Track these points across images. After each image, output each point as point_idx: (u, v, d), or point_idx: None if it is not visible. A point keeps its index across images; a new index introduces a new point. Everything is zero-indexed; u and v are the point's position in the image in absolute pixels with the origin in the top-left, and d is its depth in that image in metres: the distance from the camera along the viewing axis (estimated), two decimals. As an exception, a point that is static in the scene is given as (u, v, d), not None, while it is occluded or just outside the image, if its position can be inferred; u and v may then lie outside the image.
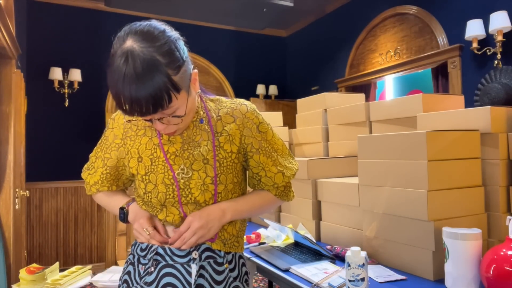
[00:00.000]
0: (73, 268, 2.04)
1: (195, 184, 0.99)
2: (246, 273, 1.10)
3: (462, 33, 3.29)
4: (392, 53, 4.09)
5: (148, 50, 0.83)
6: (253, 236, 1.92)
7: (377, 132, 2.00)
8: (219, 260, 1.03)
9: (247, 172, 1.12)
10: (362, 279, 1.14)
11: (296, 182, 2.02)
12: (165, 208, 1.01)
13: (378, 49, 4.29)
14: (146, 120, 0.91)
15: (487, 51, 3.11)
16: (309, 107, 2.57)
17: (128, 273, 1.05)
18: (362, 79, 4.47)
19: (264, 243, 1.89)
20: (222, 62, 5.41)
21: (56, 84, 4.34)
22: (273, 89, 5.62)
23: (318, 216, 1.94)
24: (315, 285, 1.29)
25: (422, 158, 1.32)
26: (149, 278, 1.00)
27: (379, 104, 1.99)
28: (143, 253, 1.03)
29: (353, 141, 2.14)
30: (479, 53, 3.16)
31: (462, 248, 1.17)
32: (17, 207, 2.79)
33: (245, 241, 1.87)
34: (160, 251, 1.01)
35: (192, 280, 0.98)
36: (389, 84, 5.99)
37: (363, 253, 1.16)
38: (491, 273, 1.09)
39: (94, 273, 2.13)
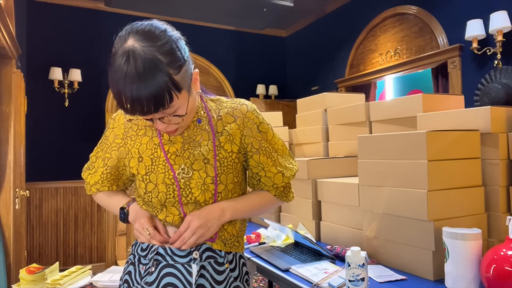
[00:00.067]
0: (73, 268, 2.04)
1: (196, 184, 0.99)
2: (247, 273, 1.10)
3: (462, 33, 3.29)
4: (392, 53, 4.09)
5: (150, 50, 0.83)
6: (253, 236, 1.92)
7: (377, 132, 2.00)
8: (220, 260, 1.03)
9: (247, 172, 1.12)
10: (362, 279, 1.14)
11: (296, 182, 2.02)
12: (165, 208, 1.01)
13: (378, 49, 4.29)
14: (147, 119, 0.91)
15: (487, 51, 3.11)
16: (309, 107, 2.57)
17: (129, 273, 1.05)
18: (362, 79, 4.47)
19: (264, 243, 1.89)
20: (222, 62, 5.41)
21: (56, 84, 4.34)
22: (273, 89, 5.62)
23: (318, 216, 1.94)
24: (315, 285, 1.29)
25: (422, 158, 1.32)
26: (150, 278, 1.00)
27: (379, 104, 1.99)
28: (144, 253, 1.03)
29: (353, 141, 2.14)
30: (479, 53, 3.16)
31: (462, 248, 1.17)
32: (17, 207, 2.79)
33: (245, 241, 1.88)
34: (161, 251, 1.01)
35: (193, 280, 0.99)
36: (389, 84, 5.99)
37: (363, 253, 1.16)
38: (491, 273, 1.09)
39: (94, 273, 2.13)
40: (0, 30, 2.29)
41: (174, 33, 0.90)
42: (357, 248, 1.15)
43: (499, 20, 2.92)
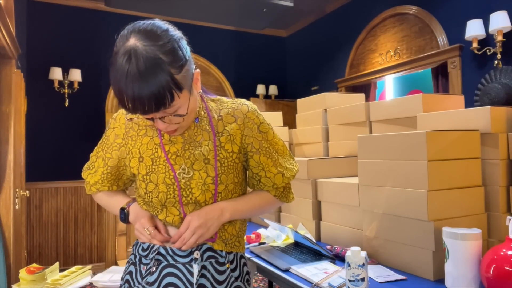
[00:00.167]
0: (73, 268, 2.05)
1: (196, 184, 0.99)
2: (248, 273, 1.10)
3: (462, 33, 3.29)
4: (392, 53, 4.10)
5: (151, 49, 0.83)
6: (253, 236, 1.92)
7: (377, 132, 2.00)
8: (221, 260, 1.03)
9: (247, 172, 1.12)
10: (362, 279, 1.15)
11: (296, 182, 2.02)
12: (166, 209, 1.01)
13: (378, 49, 4.29)
14: (148, 119, 0.91)
15: (487, 51, 3.11)
16: (309, 107, 2.58)
17: (130, 273, 1.05)
18: (362, 79, 4.47)
19: (264, 243, 1.89)
20: (222, 62, 5.41)
21: (56, 84, 4.34)
22: (273, 89, 5.62)
23: (318, 216, 1.94)
24: (315, 285, 1.29)
25: (422, 158, 1.32)
26: (151, 278, 1.00)
27: (379, 104, 1.99)
28: (145, 253, 1.04)
29: (353, 141, 2.14)
30: (479, 53, 3.17)
31: (462, 248, 1.17)
32: (17, 207, 2.79)
33: (245, 241, 1.88)
34: (162, 251, 1.01)
35: (194, 280, 0.99)
36: (389, 84, 6.00)
37: (363, 253, 1.16)
38: (491, 273, 1.09)
39: (94, 273, 2.13)
40: (0, 30, 2.29)
41: (176, 32, 0.90)
42: (357, 248, 1.15)
43: (499, 20, 2.92)
